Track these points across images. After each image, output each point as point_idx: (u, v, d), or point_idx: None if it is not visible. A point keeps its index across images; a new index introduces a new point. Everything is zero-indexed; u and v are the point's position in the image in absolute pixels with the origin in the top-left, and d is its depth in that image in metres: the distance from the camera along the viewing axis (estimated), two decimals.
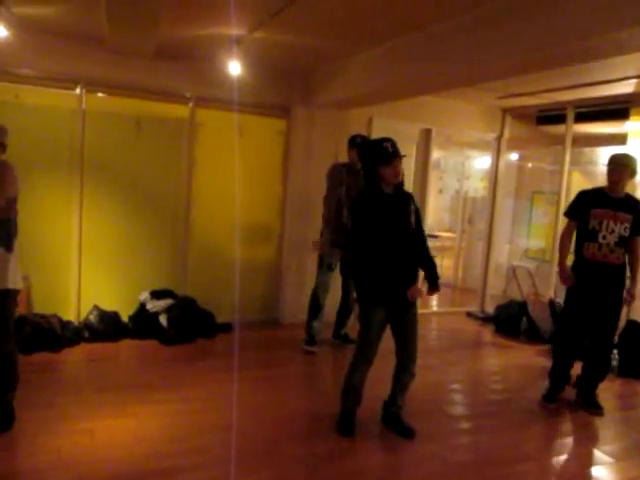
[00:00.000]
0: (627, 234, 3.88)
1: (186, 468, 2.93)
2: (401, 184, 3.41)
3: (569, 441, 3.72)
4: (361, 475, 3.06)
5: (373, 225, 3.33)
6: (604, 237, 3.90)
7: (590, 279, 3.97)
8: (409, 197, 3.47)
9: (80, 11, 4.05)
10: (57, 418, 3.39)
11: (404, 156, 3.39)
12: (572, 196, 6.79)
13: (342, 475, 3.05)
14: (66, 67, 4.81)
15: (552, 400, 4.14)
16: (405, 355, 3.46)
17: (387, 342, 3.47)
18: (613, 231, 3.88)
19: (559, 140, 6.42)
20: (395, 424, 3.53)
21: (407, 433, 3.47)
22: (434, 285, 3.51)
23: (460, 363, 5.21)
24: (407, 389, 3.54)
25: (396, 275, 3.35)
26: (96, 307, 5.09)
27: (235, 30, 4.18)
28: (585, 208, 4.00)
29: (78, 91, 4.99)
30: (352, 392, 3.48)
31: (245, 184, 5.58)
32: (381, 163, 3.30)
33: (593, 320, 4.02)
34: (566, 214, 4.20)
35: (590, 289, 3.97)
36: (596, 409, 4.02)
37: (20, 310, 4.76)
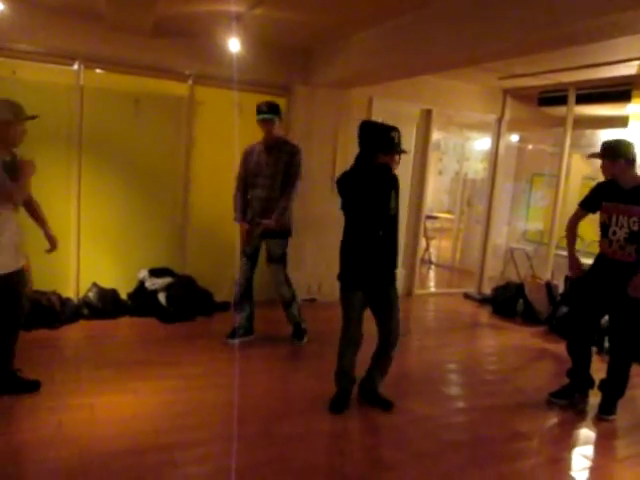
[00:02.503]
0: (637, 229, 3.50)
1: (185, 444, 2.97)
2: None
3: (564, 420, 3.74)
4: (353, 453, 3.10)
5: (355, 205, 3.34)
6: (614, 232, 3.62)
7: (600, 275, 3.73)
8: (394, 180, 3.37)
9: None
10: (57, 394, 3.42)
11: (405, 152, 3.38)
12: (572, 179, 6.83)
13: (337, 453, 3.09)
14: (64, 42, 4.75)
15: (565, 397, 3.89)
16: (384, 337, 3.49)
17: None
18: (623, 226, 3.57)
19: (560, 122, 6.40)
20: (372, 398, 3.57)
21: (385, 405, 3.53)
22: (391, 272, 3.50)
23: (456, 344, 5.25)
24: (386, 372, 3.58)
25: (375, 258, 3.38)
26: (95, 284, 5.11)
27: (234, 6, 4.13)
28: (598, 201, 3.75)
29: (76, 67, 4.94)
30: (343, 375, 3.53)
31: None
32: (382, 151, 3.28)
33: (611, 322, 3.79)
34: (580, 203, 3.92)
35: (598, 285, 3.71)
36: (607, 415, 3.71)
37: None
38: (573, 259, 3.89)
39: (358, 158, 3.40)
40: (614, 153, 3.58)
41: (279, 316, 4.79)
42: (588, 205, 3.85)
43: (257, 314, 4.70)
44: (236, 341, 4.51)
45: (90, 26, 4.72)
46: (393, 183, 3.34)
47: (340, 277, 3.49)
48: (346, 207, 3.41)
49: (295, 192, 4.41)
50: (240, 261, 4.55)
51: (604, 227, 3.71)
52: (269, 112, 4.33)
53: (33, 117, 3.23)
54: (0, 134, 3.09)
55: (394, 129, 3.32)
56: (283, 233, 4.45)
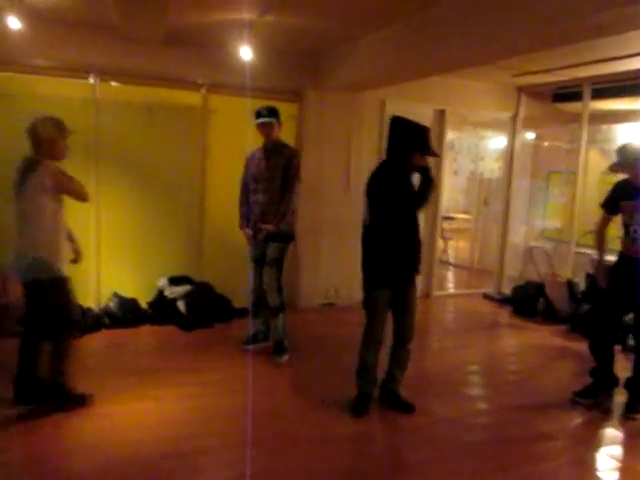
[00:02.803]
0: None
1: (206, 450, 2.99)
2: None
3: (589, 420, 3.68)
4: (377, 455, 3.09)
5: (392, 201, 3.31)
6: (635, 231, 3.60)
7: (623, 273, 3.67)
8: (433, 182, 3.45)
9: None
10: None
11: (437, 155, 3.38)
12: (589, 175, 6.74)
13: (359, 456, 3.09)
14: (79, 56, 4.83)
15: (589, 397, 3.83)
16: (402, 333, 3.51)
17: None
18: None
19: (576, 118, 6.32)
20: (394, 401, 3.56)
21: (407, 408, 3.52)
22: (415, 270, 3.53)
23: (477, 344, 5.21)
24: (405, 366, 3.58)
25: (405, 255, 3.39)
26: (116, 294, 5.17)
27: (245, 14, 4.16)
28: (617, 200, 3.74)
29: (91, 80, 5.02)
30: (366, 374, 3.52)
31: None
32: (419, 151, 3.28)
33: (635, 320, 3.70)
34: (601, 205, 3.88)
35: (621, 283, 3.66)
36: (633, 413, 3.65)
37: None
38: (603, 272, 3.81)
39: (391, 157, 3.36)
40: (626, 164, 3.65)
41: (297, 320, 4.80)
42: (609, 207, 3.82)
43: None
44: (250, 347, 4.53)
45: (104, 39, 4.79)
46: (432, 184, 3.37)
47: (367, 276, 3.47)
48: (379, 207, 3.35)
49: (295, 196, 4.36)
50: (250, 268, 4.55)
51: (626, 226, 3.68)
52: (269, 116, 4.32)
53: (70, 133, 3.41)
54: (47, 150, 3.26)
55: (429, 129, 3.33)
56: (283, 237, 4.37)
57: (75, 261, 3.63)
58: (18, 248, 3.24)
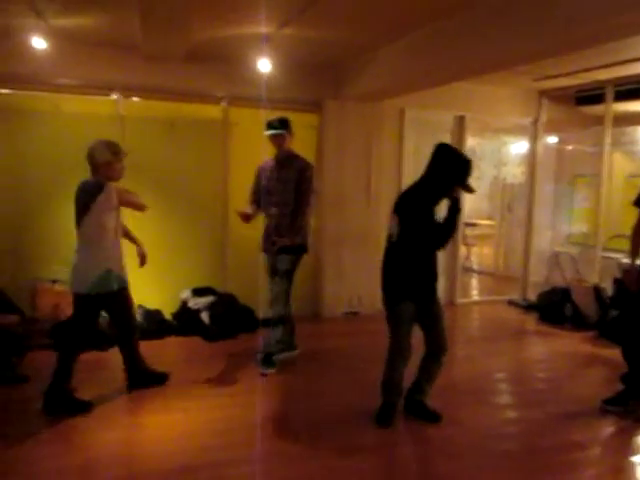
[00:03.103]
0: None
1: (233, 461, 2.99)
2: None
3: (621, 428, 3.59)
4: (405, 466, 3.06)
5: (425, 226, 3.35)
6: None
7: None
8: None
9: (114, 20, 4.17)
10: (108, 414, 3.51)
11: (474, 191, 3.37)
12: (615, 178, 6.63)
13: (385, 466, 3.06)
14: (102, 74, 4.95)
15: (619, 404, 3.73)
16: (436, 345, 3.47)
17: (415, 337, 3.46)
18: None
19: (599, 120, 6.24)
20: (420, 411, 3.52)
21: (434, 418, 3.48)
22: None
23: (504, 352, 5.13)
24: (435, 378, 3.54)
25: (429, 271, 3.43)
26: (140, 306, 5.23)
27: (264, 28, 4.22)
28: None
29: (115, 97, 5.13)
30: (392, 387, 3.49)
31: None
32: (460, 184, 3.29)
33: None
34: (634, 203, 3.68)
35: None
36: None
37: (68, 311, 4.95)
38: (632, 271, 3.62)
39: (432, 182, 3.34)
40: None
41: (321, 329, 4.78)
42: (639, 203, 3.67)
43: (298, 330, 4.69)
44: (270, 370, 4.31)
45: (127, 57, 4.91)
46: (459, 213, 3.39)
47: (391, 290, 3.46)
48: (412, 226, 3.34)
49: (309, 209, 4.33)
50: (267, 282, 4.50)
51: None
52: (280, 127, 4.27)
53: (126, 154, 3.62)
54: (104, 173, 3.47)
55: (471, 161, 3.31)
56: (295, 249, 4.28)
57: (142, 263, 3.94)
58: (83, 263, 3.49)
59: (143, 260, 3.93)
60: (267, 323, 5.31)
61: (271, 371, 4.27)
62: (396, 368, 3.46)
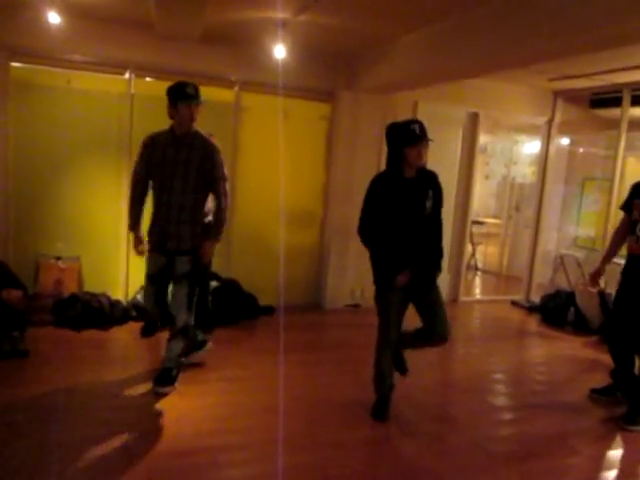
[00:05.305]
0: None
1: (228, 447, 2.99)
2: (423, 167, 3.35)
3: (617, 435, 3.57)
4: (400, 462, 3.06)
5: (387, 209, 3.30)
6: None
7: (632, 275, 3.66)
8: (432, 178, 3.37)
9: None
10: (105, 394, 3.52)
11: (431, 140, 3.31)
12: (626, 183, 6.56)
13: (380, 461, 3.06)
14: (115, 52, 4.91)
15: (605, 394, 3.95)
16: (437, 335, 3.37)
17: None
18: None
19: (613, 124, 6.16)
20: (396, 358, 3.53)
21: (401, 369, 3.53)
22: (431, 275, 3.38)
23: (504, 352, 5.12)
24: (420, 348, 3.52)
25: (410, 259, 3.31)
26: (143, 287, 5.22)
27: (280, 13, 4.17)
28: (632, 199, 3.74)
29: (127, 76, 5.09)
30: (382, 378, 3.49)
31: (288, 168, 5.59)
32: (407, 144, 3.25)
33: None
34: (620, 207, 3.91)
35: (632, 286, 3.65)
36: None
37: (71, 288, 4.97)
38: (598, 270, 3.91)
39: (389, 159, 3.39)
40: None
41: (322, 320, 4.78)
42: (627, 206, 3.80)
43: (299, 320, 4.68)
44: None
45: (141, 36, 4.86)
46: (432, 180, 3.35)
47: (377, 279, 3.43)
48: (379, 208, 3.35)
49: (226, 200, 3.61)
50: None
51: (634, 224, 3.65)
52: (199, 96, 3.55)
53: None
54: None
55: (415, 121, 3.32)
56: (194, 249, 3.58)
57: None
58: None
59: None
60: (270, 310, 5.33)
61: (168, 389, 3.57)
62: (382, 356, 3.45)
